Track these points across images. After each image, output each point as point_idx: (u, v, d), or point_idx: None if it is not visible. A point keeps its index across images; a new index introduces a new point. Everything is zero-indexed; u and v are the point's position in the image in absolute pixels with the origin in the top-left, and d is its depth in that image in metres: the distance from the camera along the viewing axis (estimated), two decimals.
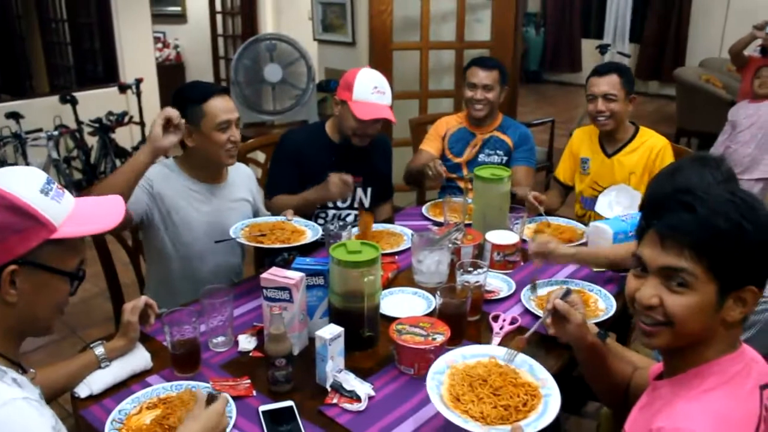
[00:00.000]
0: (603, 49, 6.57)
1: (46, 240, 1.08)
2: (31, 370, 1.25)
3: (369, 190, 2.66)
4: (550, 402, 1.34)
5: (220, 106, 2.09)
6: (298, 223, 2.20)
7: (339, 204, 2.58)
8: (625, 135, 2.69)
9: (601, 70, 2.66)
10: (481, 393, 1.36)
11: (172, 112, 1.92)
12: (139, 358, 1.63)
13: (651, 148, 2.62)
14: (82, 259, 1.17)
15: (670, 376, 1.16)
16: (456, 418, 1.29)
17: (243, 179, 2.35)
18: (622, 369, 1.50)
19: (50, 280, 1.12)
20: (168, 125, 1.92)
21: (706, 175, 1.66)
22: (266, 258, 2.55)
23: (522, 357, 1.48)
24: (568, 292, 1.52)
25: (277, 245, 2.05)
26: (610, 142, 2.70)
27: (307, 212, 2.49)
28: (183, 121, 1.95)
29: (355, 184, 2.53)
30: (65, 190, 1.14)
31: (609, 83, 2.59)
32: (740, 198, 1.07)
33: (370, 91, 2.40)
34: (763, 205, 1.08)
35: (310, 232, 2.14)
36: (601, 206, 2.53)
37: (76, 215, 1.13)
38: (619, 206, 2.48)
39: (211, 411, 1.28)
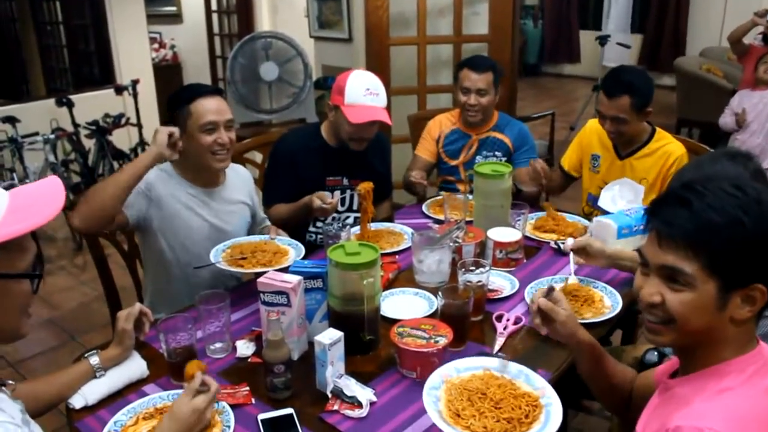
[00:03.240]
0: (602, 40, 6.51)
1: None
2: (10, 382, 1.20)
3: None
4: (552, 412, 1.32)
5: (207, 107, 2.04)
6: (282, 242, 2.13)
7: (338, 207, 2.54)
8: (640, 137, 2.50)
9: (610, 90, 2.38)
10: (481, 407, 1.33)
11: (173, 130, 1.98)
12: (135, 367, 1.59)
13: (667, 155, 2.43)
14: (35, 254, 1.08)
15: (685, 374, 1.13)
16: None
17: (241, 181, 2.31)
18: (622, 371, 1.46)
19: (5, 286, 1.04)
20: (171, 139, 1.97)
21: (731, 170, 1.58)
22: None
23: (518, 367, 1.45)
24: (551, 290, 1.48)
25: (258, 269, 1.94)
26: (624, 143, 2.53)
27: (306, 218, 2.45)
28: (179, 139, 2.01)
29: (351, 187, 2.50)
30: None
31: (618, 107, 2.37)
32: (744, 191, 1.03)
33: (362, 93, 2.33)
34: None
35: (293, 251, 2.08)
36: (604, 201, 2.47)
37: (13, 211, 1.01)
38: (622, 200, 2.43)
39: (190, 408, 1.27)
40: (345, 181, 2.54)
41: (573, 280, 1.92)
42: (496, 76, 2.74)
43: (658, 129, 2.54)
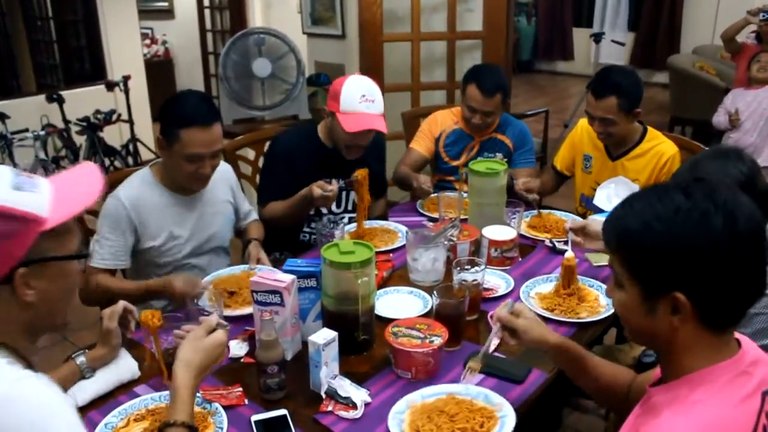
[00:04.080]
0: (597, 37, 6.50)
1: (40, 234, 1.01)
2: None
3: None
4: (507, 421, 1.35)
5: (197, 139, 1.93)
6: (263, 271, 2.03)
7: (333, 208, 2.51)
8: (632, 137, 2.49)
9: (598, 91, 2.39)
10: (439, 421, 1.37)
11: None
12: (126, 367, 1.57)
13: (660, 155, 2.43)
14: (81, 234, 1.13)
15: (663, 382, 1.11)
16: None
17: (222, 179, 2.22)
18: (613, 373, 1.43)
19: (61, 267, 1.08)
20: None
21: (729, 168, 1.58)
22: None
23: (477, 389, 1.47)
24: (511, 306, 1.48)
25: (247, 309, 1.82)
26: (614, 143, 2.52)
27: (302, 215, 2.42)
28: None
29: (347, 187, 2.47)
30: (35, 176, 1.07)
31: (605, 108, 2.36)
32: (672, 200, 1.01)
33: (357, 100, 2.28)
34: (722, 210, 0.98)
35: None
36: (599, 199, 2.45)
37: (59, 198, 1.05)
38: (617, 198, 2.40)
39: (213, 342, 1.30)
40: (342, 182, 2.52)
41: (569, 254, 1.91)
42: (504, 96, 2.67)
43: (649, 129, 2.53)
